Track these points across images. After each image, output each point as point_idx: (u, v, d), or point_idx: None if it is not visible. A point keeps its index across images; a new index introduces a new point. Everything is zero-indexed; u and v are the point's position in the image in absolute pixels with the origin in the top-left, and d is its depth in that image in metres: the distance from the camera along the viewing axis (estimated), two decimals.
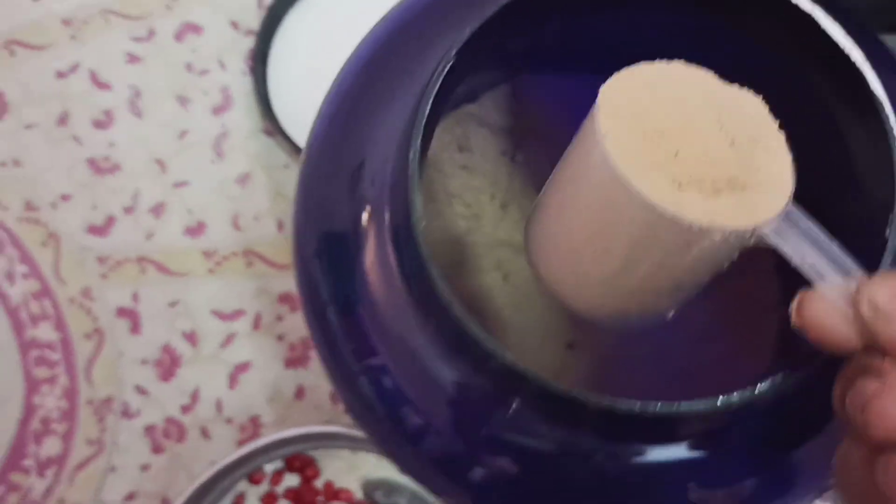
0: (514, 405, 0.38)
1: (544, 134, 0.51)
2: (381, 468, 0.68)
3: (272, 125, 0.72)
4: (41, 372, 0.72)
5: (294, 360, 0.73)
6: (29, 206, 0.74)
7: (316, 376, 0.73)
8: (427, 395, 0.40)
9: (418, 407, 0.40)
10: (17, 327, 0.73)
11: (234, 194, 0.75)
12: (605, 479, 0.39)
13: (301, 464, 0.68)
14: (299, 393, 0.73)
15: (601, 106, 0.31)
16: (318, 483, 0.68)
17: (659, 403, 0.32)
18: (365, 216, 0.41)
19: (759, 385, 0.32)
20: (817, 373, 0.31)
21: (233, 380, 0.72)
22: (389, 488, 0.67)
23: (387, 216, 0.40)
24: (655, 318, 0.38)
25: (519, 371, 0.33)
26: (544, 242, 0.39)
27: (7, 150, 0.75)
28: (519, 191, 0.51)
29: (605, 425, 0.37)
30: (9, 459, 0.71)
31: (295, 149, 0.71)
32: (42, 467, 0.71)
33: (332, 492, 0.68)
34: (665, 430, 0.37)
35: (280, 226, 0.75)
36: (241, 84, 0.76)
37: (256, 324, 0.73)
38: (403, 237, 0.37)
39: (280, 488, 0.68)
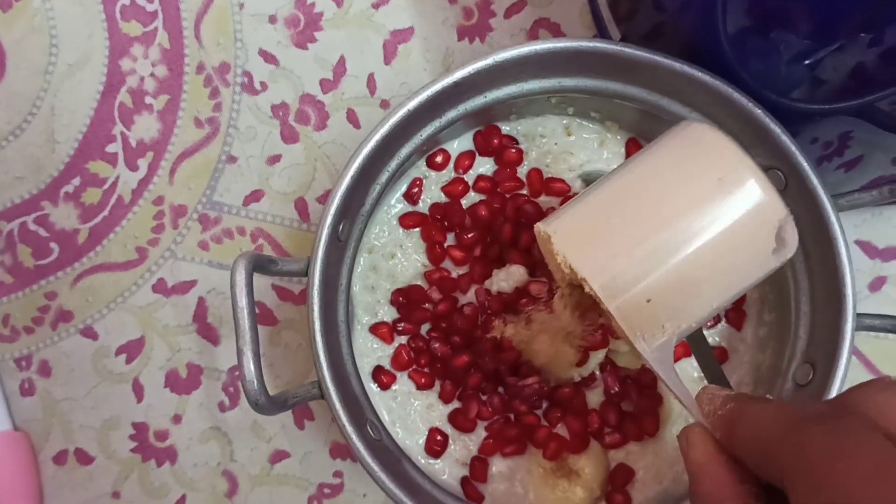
0: None
1: None
2: (598, 158, 0.50)
3: None
4: (131, 27, 0.53)
5: (469, 30, 0.54)
6: None
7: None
8: None
9: None
10: None
11: None
12: None
13: (497, 144, 0.49)
14: None
15: None
16: (521, 171, 0.50)
17: None
18: None
19: None
20: None
21: (388, 50, 0.53)
22: None
23: None
24: None
25: None
26: None
27: None
28: None
29: None
30: (85, 143, 0.52)
31: None
32: (133, 155, 0.52)
33: (539, 181, 0.49)
34: None
35: None
36: None
37: None
38: None
39: (469, 176, 0.50)
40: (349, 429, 0.37)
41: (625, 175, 0.35)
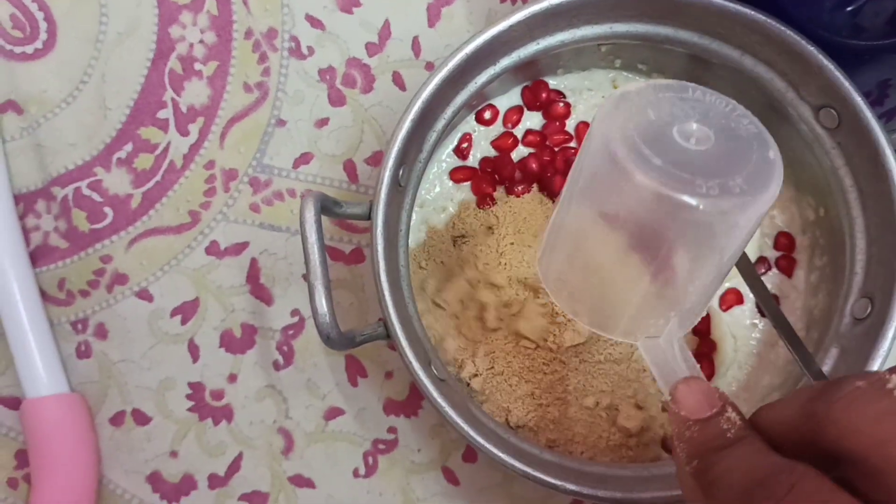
0: None
1: None
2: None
3: None
4: None
5: None
6: None
7: None
8: None
9: None
10: None
11: None
12: None
13: (545, 98, 0.50)
14: None
15: None
16: (569, 124, 0.50)
17: None
18: None
19: None
20: None
21: (432, 13, 0.54)
22: None
23: None
24: None
25: None
26: None
27: None
28: None
29: None
30: (136, 109, 0.53)
31: None
32: (183, 120, 0.53)
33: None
34: None
35: None
36: None
37: None
38: None
39: (518, 130, 0.50)
40: (416, 365, 0.38)
41: (561, 215, 0.36)
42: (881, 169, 0.40)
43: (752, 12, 0.41)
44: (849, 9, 0.45)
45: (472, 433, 0.38)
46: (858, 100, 0.40)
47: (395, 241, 0.42)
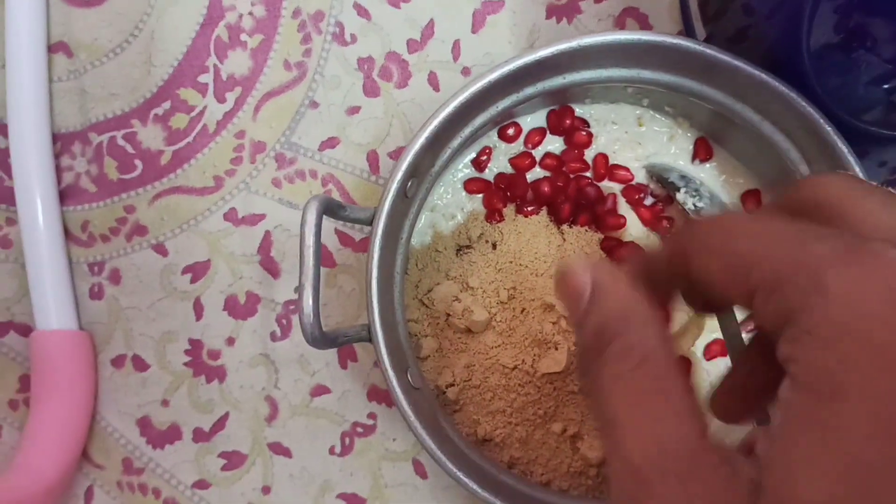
0: None
1: None
2: (666, 151, 0.51)
3: None
4: None
5: (558, 10, 0.55)
6: None
7: None
8: None
9: None
10: None
11: None
12: None
13: (569, 125, 0.51)
14: None
15: None
16: (588, 154, 0.51)
17: None
18: None
19: None
20: None
21: (477, 19, 0.55)
22: (682, 176, 0.50)
23: None
24: None
25: None
26: None
27: None
28: None
29: None
30: (179, 70, 0.55)
31: None
32: (222, 88, 0.55)
33: (603, 166, 0.51)
34: None
35: None
36: None
37: None
38: None
39: (537, 151, 0.51)
40: (391, 373, 0.40)
41: None
42: None
43: (778, 83, 0.41)
44: (885, 86, 0.45)
45: (431, 444, 0.40)
46: None
47: (394, 248, 0.43)
